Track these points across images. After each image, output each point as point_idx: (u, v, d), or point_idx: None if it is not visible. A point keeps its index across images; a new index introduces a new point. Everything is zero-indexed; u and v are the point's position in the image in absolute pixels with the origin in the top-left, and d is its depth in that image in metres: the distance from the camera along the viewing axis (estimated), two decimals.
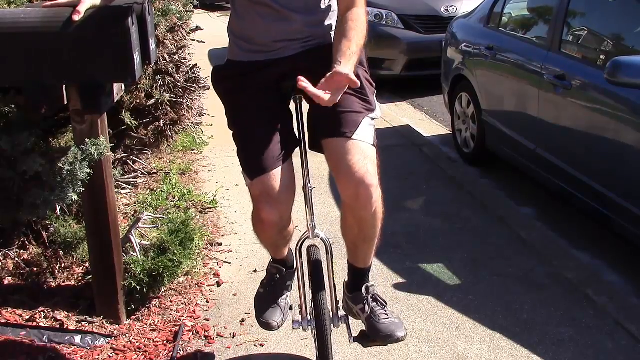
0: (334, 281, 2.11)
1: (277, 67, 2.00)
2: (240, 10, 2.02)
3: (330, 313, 2.06)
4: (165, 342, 2.57)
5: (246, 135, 1.99)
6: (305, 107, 2.04)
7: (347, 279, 2.23)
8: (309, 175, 2.03)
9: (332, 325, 2.04)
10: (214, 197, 4.02)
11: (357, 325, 2.19)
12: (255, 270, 3.14)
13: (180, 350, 2.51)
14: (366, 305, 2.11)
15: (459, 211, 3.83)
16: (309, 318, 2.17)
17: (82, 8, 2.04)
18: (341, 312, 2.16)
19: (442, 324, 2.70)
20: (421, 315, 2.75)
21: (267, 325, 2.21)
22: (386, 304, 2.15)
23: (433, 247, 3.38)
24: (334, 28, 2.09)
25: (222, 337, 2.63)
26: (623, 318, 2.70)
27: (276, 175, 1.94)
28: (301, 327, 2.19)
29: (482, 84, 4.53)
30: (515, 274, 3.09)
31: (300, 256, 2.13)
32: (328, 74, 1.74)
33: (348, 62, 1.77)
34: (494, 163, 4.62)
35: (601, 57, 3.32)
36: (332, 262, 2.10)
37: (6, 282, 2.83)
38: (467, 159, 4.83)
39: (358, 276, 2.16)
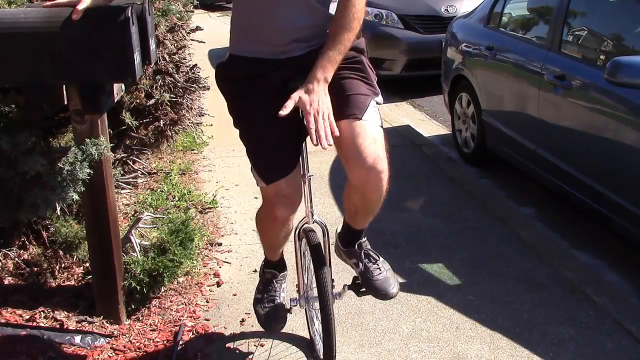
0: (330, 263, 2.19)
1: (285, 69, 1.98)
2: (242, 2, 1.99)
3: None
4: (165, 342, 2.57)
5: (260, 142, 1.98)
6: None
7: (340, 230, 2.30)
8: (307, 164, 2.09)
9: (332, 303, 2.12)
10: (214, 197, 4.02)
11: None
12: (255, 270, 3.13)
13: (180, 350, 2.51)
14: (360, 262, 2.21)
15: (458, 211, 3.83)
16: (306, 296, 2.30)
17: (82, 7, 2.04)
18: (335, 290, 2.22)
19: (442, 324, 2.70)
20: (421, 315, 2.75)
21: (270, 327, 2.28)
22: (379, 257, 2.23)
23: (433, 247, 3.38)
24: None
25: (222, 337, 2.63)
26: (623, 318, 2.70)
27: (291, 178, 1.99)
28: (298, 305, 2.31)
29: (482, 84, 4.53)
30: (515, 274, 3.09)
31: (299, 239, 2.22)
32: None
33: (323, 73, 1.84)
34: (494, 163, 4.62)
35: (601, 57, 3.32)
36: (328, 245, 2.19)
37: (6, 282, 2.83)
38: (467, 159, 4.83)
39: (352, 234, 2.23)
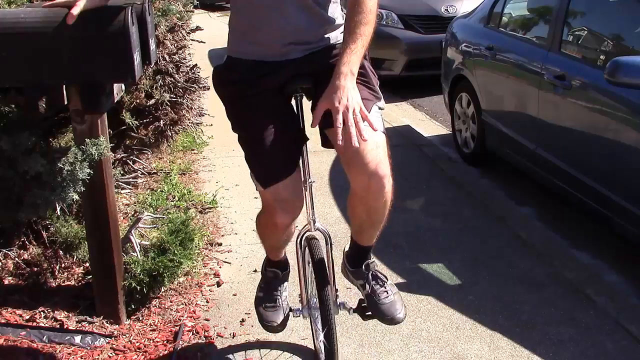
0: (333, 272, 2.15)
1: (283, 72, 1.96)
2: (240, 4, 1.98)
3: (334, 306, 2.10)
4: (165, 342, 2.57)
5: (257, 144, 1.95)
6: (307, 104, 2.03)
7: (347, 249, 2.25)
8: (309, 170, 2.05)
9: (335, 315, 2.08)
10: (214, 197, 4.02)
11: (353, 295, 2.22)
12: (255, 270, 3.13)
13: (180, 350, 2.51)
14: (367, 284, 2.14)
15: (459, 211, 3.83)
16: (308, 306, 2.25)
17: (76, 11, 2.02)
18: (339, 300, 2.20)
19: (442, 324, 2.70)
20: (421, 315, 2.75)
21: (272, 328, 2.24)
22: (387, 279, 2.17)
23: (433, 247, 3.38)
24: (340, 28, 2.05)
25: (222, 337, 2.63)
26: (623, 318, 2.70)
27: (290, 182, 1.94)
28: (301, 315, 2.27)
29: (482, 84, 4.53)
30: (515, 274, 3.09)
31: (302, 248, 2.17)
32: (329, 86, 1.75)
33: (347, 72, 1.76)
34: (494, 163, 4.62)
35: (601, 57, 3.32)
36: (331, 254, 2.14)
37: (6, 282, 2.83)
38: (467, 159, 4.83)
39: (360, 253, 2.18)
